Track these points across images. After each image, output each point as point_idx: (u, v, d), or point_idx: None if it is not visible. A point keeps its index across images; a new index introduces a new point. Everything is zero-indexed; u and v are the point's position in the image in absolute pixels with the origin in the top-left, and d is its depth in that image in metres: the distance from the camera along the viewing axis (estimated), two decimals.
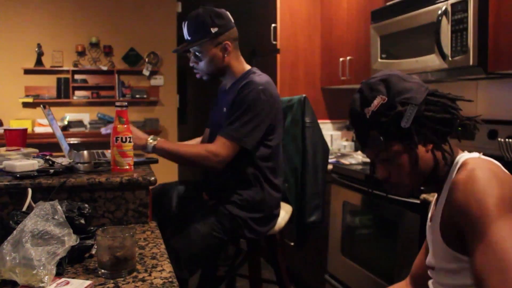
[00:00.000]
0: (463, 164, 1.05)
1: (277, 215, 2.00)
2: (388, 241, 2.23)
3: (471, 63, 2.03)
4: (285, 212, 2.12)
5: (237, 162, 1.87)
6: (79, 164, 1.58)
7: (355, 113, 1.14)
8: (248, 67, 2.04)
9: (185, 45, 1.96)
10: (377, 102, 1.09)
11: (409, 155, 1.10)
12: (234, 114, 1.85)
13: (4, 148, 1.96)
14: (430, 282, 1.18)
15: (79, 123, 5.14)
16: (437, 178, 1.13)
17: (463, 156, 1.09)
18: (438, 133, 1.08)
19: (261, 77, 1.93)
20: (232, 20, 1.99)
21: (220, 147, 1.82)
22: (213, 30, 1.90)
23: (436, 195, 1.20)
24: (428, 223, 1.19)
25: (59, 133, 2.02)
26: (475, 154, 1.10)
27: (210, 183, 2.05)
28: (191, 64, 2.02)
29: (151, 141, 1.79)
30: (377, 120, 1.09)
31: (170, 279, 1.05)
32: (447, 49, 2.14)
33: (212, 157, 1.81)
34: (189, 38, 1.94)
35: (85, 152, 1.60)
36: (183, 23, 1.96)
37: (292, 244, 3.05)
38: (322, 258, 2.85)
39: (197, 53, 1.96)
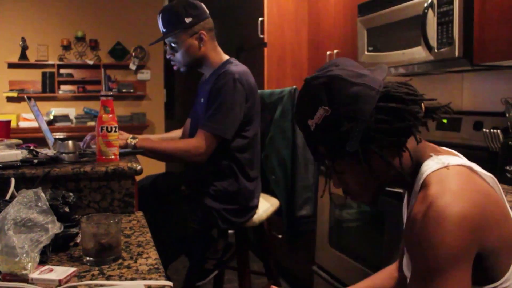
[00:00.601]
0: (426, 185, 0.92)
1: (254, 207, 2.01)
2: (376, 231, 2.24)
3: (456, 55, 2.04)
4: (269, 204, 2.12)
5: (214, 154, 1.87)
6: (63, 155, 1.56)
7: (300, 123, 1.02)
8: (226, 57, 2.04)
9: (162, 36, 1.96)
10: (319, 114, 0.96)
11: (361, 167, 0.97)
12: (211, 106, 1.85)
13: None
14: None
15: (65, 118, 5.10)
16: (403, 181, 1.02)
17: (427, 165, 0.96)
18: (392, 144, 0.96)
19: (237, 66, 1.93)
20: (207, 11, 1.99)
21: (200, 140, 1.82)
22: (187, 20, 1.90)
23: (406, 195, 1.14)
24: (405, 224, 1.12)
25: (44, 125, 2.00)
26: (443, 160, 0.96)
27: (189, 175, 2.06)
28: (167, 56, 2.03)
29: (131, 140, 1.79)
30: (322, 135, 0.98)
31: (156, 266, 1.05)
32: (433, 41, 2.15)
33: (193, 151, 1.81)
34: (164, 30, 1.95)
35: (70, 142, 1.58)
36: (158, 15, 1.96)
37: (280, 236, 3.06)
38: (310, 250, 2.86)
39: (172, 44, 1.96)
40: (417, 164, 0.99)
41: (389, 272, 1.34)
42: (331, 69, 0.98)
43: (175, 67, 2.04)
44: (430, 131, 1.10)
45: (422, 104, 0.99)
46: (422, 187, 0.93)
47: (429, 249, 0.85)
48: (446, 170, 0.92)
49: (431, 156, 0.98)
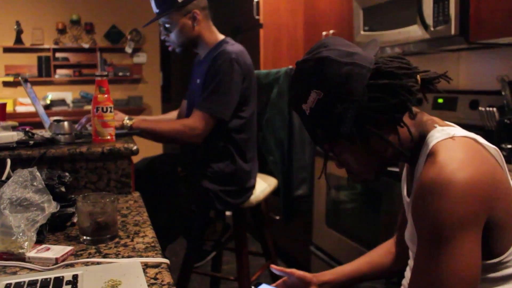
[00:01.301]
0: (433, 153, 0.92)
1: (251, 188, 2.01)
2: (372, 210, 2.25)
3: (452, 32, 2.03)
4: (267, 184, 2.12)
5: (210, 135, 1.87)
6: (59, 136, 1.56)
7: (295, 108, 1.02)
8: (221, 37, 2.02)
9: (155, 17, 1.95)
10: (312, 98, 0.95)
11: (359, 147, 0.97)
12: (208, 86, 1.85)
13: None
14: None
15: (62, 102, 5.09)
16: (404, 156, 1.00)
17: (433, 136, 0.96)
18: (388, 120, 0.95)
19: (234, 46, 1.92)
20: None
21: (197, 120, 1.82)
22: None
23: (406, 166, 1.13)
24: (405, 197, 1.11)
25: (40, 109, 1.99)
26: (448, 131, 0.95)
27: (185, 157, 2.06)
28: (162, 37, 2.02)
29: (127, 121, 1.78)
30: (317, 119, 0.97)
31: (152, 244, 1.05)
32: (429, 20, 2.14)
33: (189, 132, 1.81)
34: (157, 11, 1.93)
35: (66, 123, 1.58)
36: None
37: (277, 218, 3.07)
38: (307, 230, 2.88)
39: (166, 25, 1.95)
40: (421, 136, 0.98)
41: (386, 248, 1.34)
42: (320, 51, 0.96)
43: (170, 48, 2.03)
44: (427, 110, 1.07)
45: (418, 76, 0.97)
46: (429, 156, 0.93)
47: (436, 216, 0.84)
48: (452, 140, 0.92)
49: (435, 127, 0.97)
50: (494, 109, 2.08)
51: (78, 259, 0.97)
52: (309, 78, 0.96)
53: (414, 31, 2.23)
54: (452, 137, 0.93)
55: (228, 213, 2.22)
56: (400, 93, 0.93)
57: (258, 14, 3.63)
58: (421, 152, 0.97)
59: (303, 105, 0.97)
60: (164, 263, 0.95)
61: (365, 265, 1.31)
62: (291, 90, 1.02)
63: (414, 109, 1.00)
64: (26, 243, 0.96)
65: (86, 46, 5.21)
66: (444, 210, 0.84)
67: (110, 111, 1.58)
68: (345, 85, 0.93)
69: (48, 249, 0.99)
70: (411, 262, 1.15)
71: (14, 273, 0.90)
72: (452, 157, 0.88)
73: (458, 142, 0.91)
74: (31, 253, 0.96)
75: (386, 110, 0.94)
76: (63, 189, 1.16)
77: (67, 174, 1.22)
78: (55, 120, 1.66)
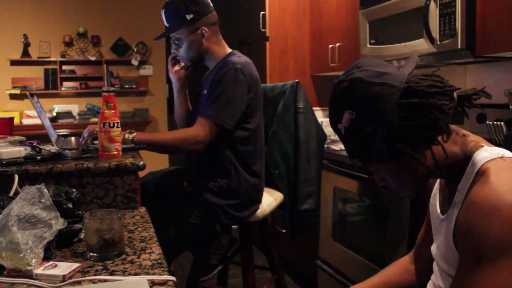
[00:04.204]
0: (483, 172, 0.92)
1: (257, 201, 2.00)
2: (379, 225, 2.24)
3: (459, 46, 2.04)
4: (273, 199, 2.12)
5: (215, 147, 1.88)
6: (66, 151, 1.57)
7: (333, 127, 1.05)
8: (229, 50, 2.04)
9: (164, 32, 1.98)
10: (346, 118, 0.98)
11: (393, 165, 0.99)
12: (212, 94, 1.85)
13: None
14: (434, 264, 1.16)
15: (68, 114, 5.12)
16: (437, 174, 1.01)
17: (481, 155, 0.96)
18: (421, 140, 0.96)
19: (240, 58, 1.94)
20: (211, 5, 1.99)
21: (199, 128, 1.82)
22: (188, 17, 1.90)
23: (438, 182, 1.13)
24: (439, 215, 1.09)
25: (47, 122, 2.00)
26: (497, 151, 0.95)
27: (190, 171, 2.06)
28: (172, 51, 2.04)
29: (127, 135, 1.78)
30: (351, 139, 1.00)
31: (159, 261, 1.05)
32: (435, 33, 2.14)
33: (191, 139, 1.81)
34: (167, 25, 1.96)
35: (73, 138, 1.58)
36: (162, 10, 1.96)
37: (283, 231, 3.06)
38: (314, 244, 2.86)
39: (176, 40, 1.97)
40: (466, 155, 0.99)
41: (403, 266, 1.32)
42: (353, 72, 1.00)
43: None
44: None
45: (454, 94, 0.99)
46: (478, 174, 0.94)
47: (483, 235, 0.86)
48: (503, 160, 0.93)
49: (483, 146, 0.98)
50: (502, 123, 2.08)
51: (85, 276, 0.96)
52: (342, 99, 1.00)
53: (421, 45, 2.24)
54: (502, 157, 0.94)
55: (234, 226, 2.21)
56: (431, 111, 0.94)
57: (264, 27, 3.65)
58: (467, 170, 0.97)
59: (339, 125, 1.01)
60: (171, 280, 0.95)
61: (381, 285, 1.28)
62: (330, 110, 1.05)
63: (456, 127, 1.02)
64: (34, 260, 0.96)
65: (92, 58, 5.25)
66: (492, 230, 0.85)
67: (117, 127, 1.59)
68: (375, 105, 0.95)
69: (56, 266, 0.98)
70: (435, 279, 1.14)
71: None
72: (504, 177, 0.89)
73: (508, 163, 0.93)
74: (39, 270, 0.96)
75: (417, 129, 0.95)
76: (70, 205, 1.16)
77: (74, 190, 1.22)
78: (61, 135, 1.67)
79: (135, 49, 5.39)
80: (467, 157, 0.98)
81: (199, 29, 1.93)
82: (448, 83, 0.99)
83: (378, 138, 0.95)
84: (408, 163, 0.99)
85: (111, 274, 0.98)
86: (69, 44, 5.24)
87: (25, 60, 5.09)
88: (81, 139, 1.83)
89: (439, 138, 0.97)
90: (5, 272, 0.96)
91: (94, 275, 0.97)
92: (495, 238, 0.85)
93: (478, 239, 0.87)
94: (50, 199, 1.07)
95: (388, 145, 0.96)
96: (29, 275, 0.95)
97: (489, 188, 0.88)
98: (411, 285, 1.28)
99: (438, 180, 1.15)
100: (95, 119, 5.08)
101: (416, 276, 1.28)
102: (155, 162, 2.28)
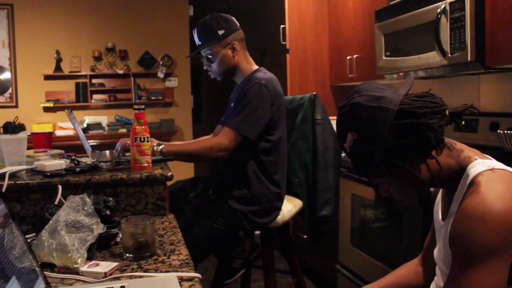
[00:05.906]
0: (475, 183, 1.03)
1: (278, 208, 2.11)
2: (395, 231, 2.33)
3: (469, 59, 2.12)
4: (292, 205, 2.22)
5: (240, 157, 2.01)
6: (102, 163, 1.73)
7: (340, 146, 1.17)
8: (256, 67, 2.17)
9: (197, 48, 2.12)
10: (349, 139, 1.11)
11: (395, 179, 1.12)
12: (237, 107, 1.99)
13: (32, 150, 2.12)
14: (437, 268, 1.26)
15: (98, 125, 5.32)
16: (430, 185, 1.14)
17: (473, 167, 1.06)
18: (416, 155, 1.08)
19: (266, 74, 2.07)
20: (238, 24, 2.14)
21: (223, 137, 1.96)
22: (220, 32, 2.05)
23: (441, 191, 1.24)
24: (440, 221, 1.21)
25: (82, 134, 2.17)
26: (488, 163, 1.06)
27: (215, 179, 2.20)
28: (204, 67, 2.18)
29: (156, 147, 1.91)
30: (355, 156, 1.13)
31: (186, 261, 1.19)
32: (446, 46, 2.23)
33: (215, 147, 1.94)
34: (199, 43, 2.10)
35: (107, 152, 1.74)
36: (193, 30, 2.11)
37: (305, 237, 3.16)
38: (333, 249, 2.96)
39: (208, 56, 2.11)
40: (461, 166, 1.10)
41: (411, 268, 1.42)
42: (353, 97, 1.12)
43: (212, 76, 2.19)
44: (449, 132, 1.18)
45: (446, 111, 1.10)
46: (470, 185, 1.04)
47: (473, 241, 0.97)
48: (492, 172, 1.04)
49: (476, 159, 1.09)
50: None
51: (123, 273, 1.11)
52: (345, 122, 1.12)
53: (433, 57, 2.33)
54: (492, 169, 1.04)
55: (256, 232, 2.33)
56: (422, 130, 1.05)
57: (284, 39, 3.78)
58: (462, 181, 1.08)
59: (344, 144, 1.13)
60: (197, 277, 1.08)
61: (391, 286, 1.38)
62: (336, 131, 1.18)
63: (452, 142, 1.14)
64: (80, 259, 1.11)
65: (120, 72, 5.46)
66: (481, 236, 0.96)
67: (147, 141, 1.74)
68: (372, 126, 1.07)
69: (97, 264, 1.13)
70: (437, 280, 1.25)
71: (71, 284, 1.06)
72: (492, 187, 1.00)
73: (498, 174, 1.03)
74: (84, 268, 1.11)
75: (411, 146, 1.06)
76: (108, 212, 1.31)
77: (110, 198, 1.37)
78: (94, 146, 1.82)
79: (161, 62, 5.58)
80: (462, 169, 1.10)
81: (230, 43, 2.08)
82: (440, 102, 1.10)
83: (377, 156, 1.07)
84: (406, 177, 1.11)
85: (145, 271, 1.12)
86: (98, 58, 5.47)
87: (57, 74, 5.34)
88: (114, 152, 1.99)
89: (433, 153, 1.09)
90: (56, 269, 1.12)
91: (131, 272, 1.11)
92: (484, 242, 0.96)
93: (469, 242, 0.98)
94: (92, 207, 1.22)
95: (387, 161, 1.08)
96: (76, 272, 1.10)
97: (479, 198, 0.99)
98: (419, 286, 1.38)
99: (442, 189, 1.26)
100: (123, 130, 5.28)
101: (424, 278, 1.38)
102: (181, 172, 2.43)
